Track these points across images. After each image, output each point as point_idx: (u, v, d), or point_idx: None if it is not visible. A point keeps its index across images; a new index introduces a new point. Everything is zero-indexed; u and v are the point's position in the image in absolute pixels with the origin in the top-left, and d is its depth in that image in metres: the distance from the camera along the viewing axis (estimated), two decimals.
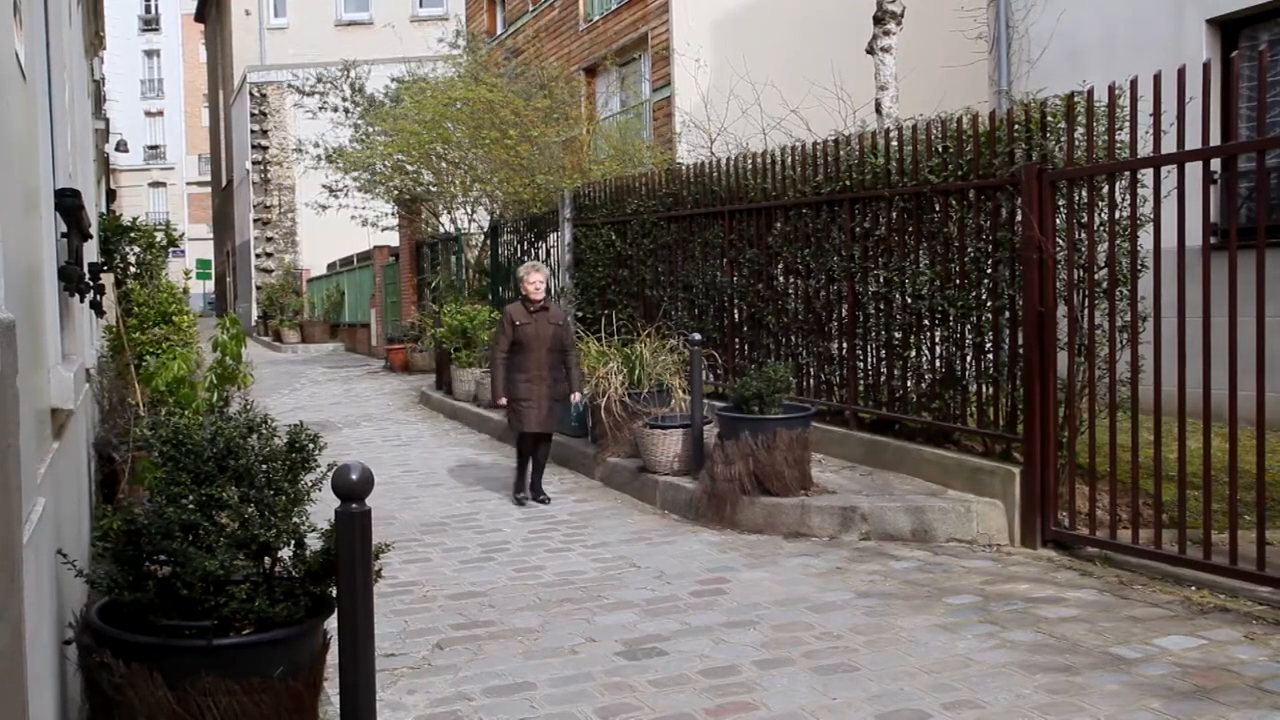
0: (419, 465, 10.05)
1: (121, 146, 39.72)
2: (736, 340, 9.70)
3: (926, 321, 7.61)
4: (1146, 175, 6.01)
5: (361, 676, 3.24)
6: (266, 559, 3.55)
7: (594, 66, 18.51)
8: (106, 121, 18.88)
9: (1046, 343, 6.38)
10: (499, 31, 22.91)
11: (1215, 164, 5.91)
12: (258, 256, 34.01)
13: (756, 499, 7.11)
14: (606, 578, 6.09)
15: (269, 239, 33.79)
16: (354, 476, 3.19)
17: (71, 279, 4.68)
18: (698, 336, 8.41)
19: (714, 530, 7.11)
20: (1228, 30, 9.55)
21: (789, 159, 8.94)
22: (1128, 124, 6.05)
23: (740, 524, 7.12)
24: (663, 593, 5.76)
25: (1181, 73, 5.74)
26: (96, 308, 6.76)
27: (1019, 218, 6.62)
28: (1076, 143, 6.28)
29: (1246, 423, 6.36)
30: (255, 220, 33.90)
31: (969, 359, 7.27)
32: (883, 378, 8.00)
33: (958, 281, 7.20)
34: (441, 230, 19.05)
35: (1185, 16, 9.78)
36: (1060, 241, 6.42)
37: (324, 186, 20.03)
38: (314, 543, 3.59)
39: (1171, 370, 5.67)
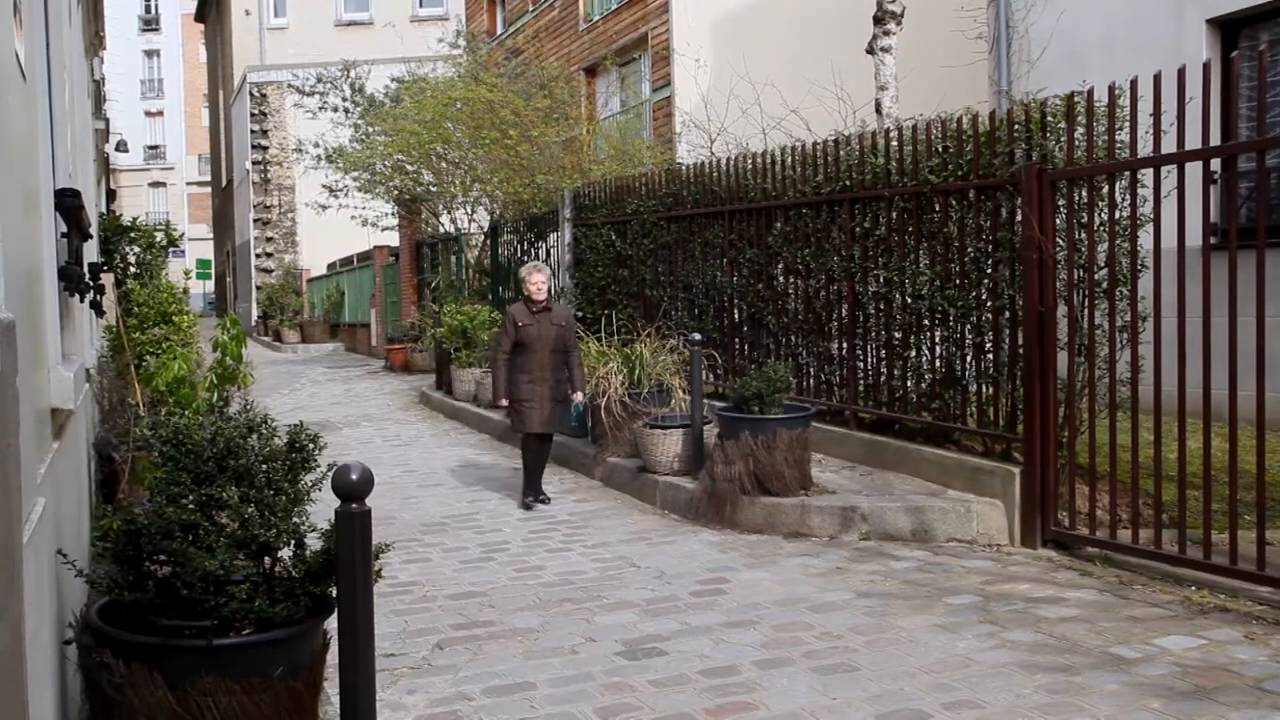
0: (419, 465, 10.05)
1: (121, 146, 39.73)
2: (736, 340, 9.70)
3: (926, 321, 7.61)
4: (1146, 175, 6.01)
5: (361, 676, 3.24)
6: (266, 559, 3.55)
7: (594, 66, 18.51)
8: (106, 121, 18.88)
9: (1046, 343, 6.38)
10: (499, 31, 22.92)
11: (1215, 164, 5.91)
12: (258, 256, 34.02)
13: (756, 499, 7.11)
14: (606, 578, 6.09)
15: (269, 239, 33.79)
16: (354, 476, 3.19)
17: (71, 279, 4.68)
18: (698, 336, 8.41)
19: (714, 530, 7.11)
20: (1228, 30, 9.55)
21: (789, 159, 8.94)
22: (1128, 124, 6.05)
23: (740, 524, 7.12)
24: (663, 593, 5.76)
25: (1181, 73, 5.74)
26: (96, 308, 6.76)
27: (1019, 218, 6.62)
28: (1076, 143, 6.28)
29: (1246, 423, 6.36)
30: (255, 220, 33.91)
31: (969, 359, 7.27)
32: (883, 378, 8.00)
33: (958, 281, 7.20)
34: (441, 230, 19.05)
35: (1185, 16, 9.78)
36: (1060, 241, 6.42)
37: (324, 186, 20.04)
38: (314, 543, 3.59)
39: (1171, 370, 5.67)
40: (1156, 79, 5.67)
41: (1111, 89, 6.08)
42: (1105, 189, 6.12)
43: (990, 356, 7.03)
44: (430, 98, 17.20)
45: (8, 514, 2.23)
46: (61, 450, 3.85)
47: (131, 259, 9.62)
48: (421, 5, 34.40)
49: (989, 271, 7.02)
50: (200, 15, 47.58)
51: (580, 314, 12.00)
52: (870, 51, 10.25)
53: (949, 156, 7.30)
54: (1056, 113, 6.64)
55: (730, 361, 9.72)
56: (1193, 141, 5.64)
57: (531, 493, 8.05)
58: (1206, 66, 5.44)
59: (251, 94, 33.43)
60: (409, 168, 18.16)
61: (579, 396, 8.35)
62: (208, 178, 54.21)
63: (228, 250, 42.37)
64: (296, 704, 3.37)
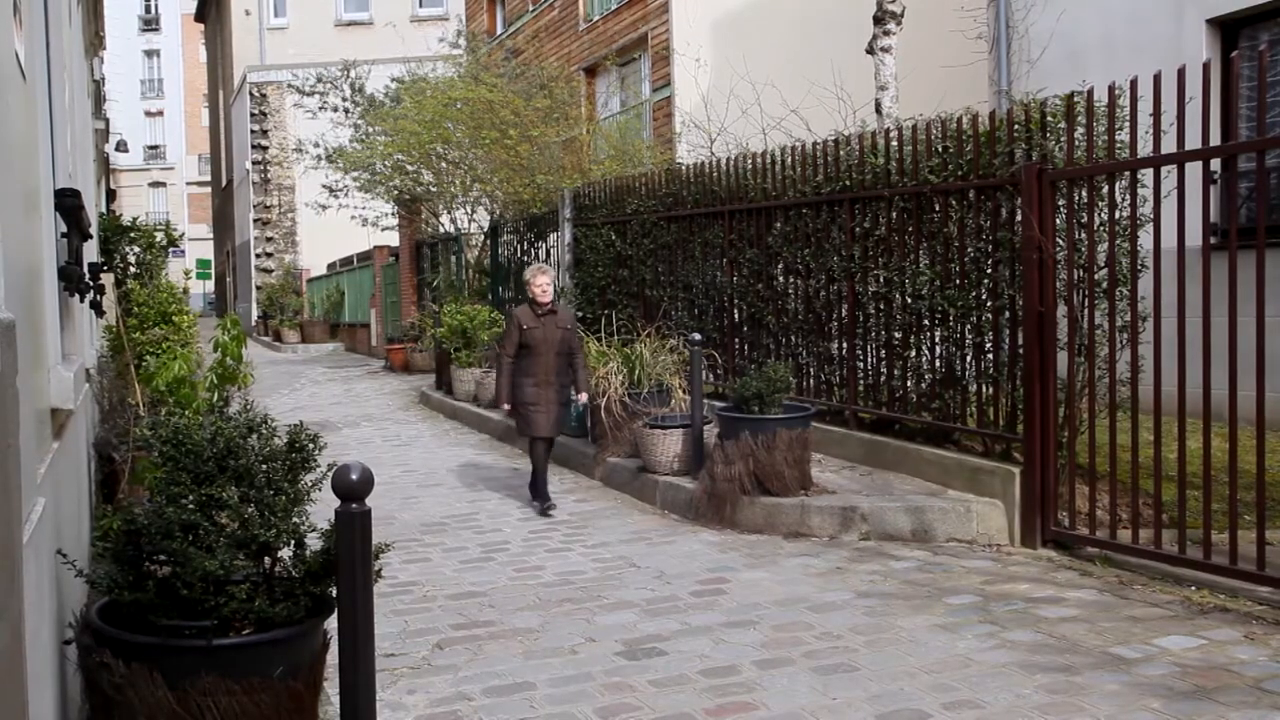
0: (419, 465, 10.05)
1: (121, 146, 39.72)
2: (736, 340, 9.70)
3: (926, 321, 7.61)
4: (1146, 175, 6.01)
5: (361, 676, 3.24)
6: (266, 559, 3.55)
7: (594, 66, 18.51)
8: (106, 121, 18.87)
9: (1046, 343, 6.38)
10: (499, 31, 22.92)
11: (1215, 164, 5.91)
12: (258, 256, 34.02)
13: (756, 499, 7.11)
14: (606, 578, 6.09)
15: (269, 239, 33.79)
16: (354, 476, 3.19)
17: (71, 279, 4.68)
18: (698, 336, 8.40)
19: (714, 530, 7.11)
20: (1228, 30, 9.55)
21: (789, 159, 8.94)
22: (1128, 124, 6.05)
23: (740, 524, 7.12)
24: (663, 593, 5.76)
25: (1181, 73, 5.74)
26: (96, 308, 6.76)
27: (1019, 218, 6.62)
28: (1076, 143, 6.28)
29: (1246, 423, 6.36)
30: (255, 220, 33.91)
31: (969, 359, 7.27)
32: (883, 378, 8.00)
33: (958, 281, 7.20)
34: (441, 230, 19.05)
35: (1185, 16, 9.78)
36: (1060, 241, 6.42)
37: (324, 186, 20.04)
38: (314, 543, 3.59)
39: (1171, 370, 5.67)
40: (1156, 79, 5.67)
41: (1111, 89, 6.08)
42: (1105, 189, 6.12)
43: (990, 356, 7.03)
44: (430, 98, 17.20)
45: (8, 514, 2.23)
46: (61, 450, 3.85)
47: (131, 259, 9.61)
48: (421, 5, 34.41)
49: (989, 271, 7.02)
50: (200, 15, 47.60)
51: (580, 314, 11.99)
52: (870, 51, 10.25)
53: (949, 156, 7.30)
54: (1056, 113, 6.64)
55: (730, 361, 9.72)
56: (1193, 141, 5.64)
57: (544, 498, 7.84)
58: (1206, 66, 5.44)
59: (251, 94, 33.43)
60: (409, 168, 18.16)
61: (583, 398, 8.25)
62: (208, 178, 54.22)
63: (228, 250, 42.38)
64: (296, 704, 3.37)
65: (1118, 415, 6.24)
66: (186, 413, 6.12)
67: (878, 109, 10.09)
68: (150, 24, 62.98)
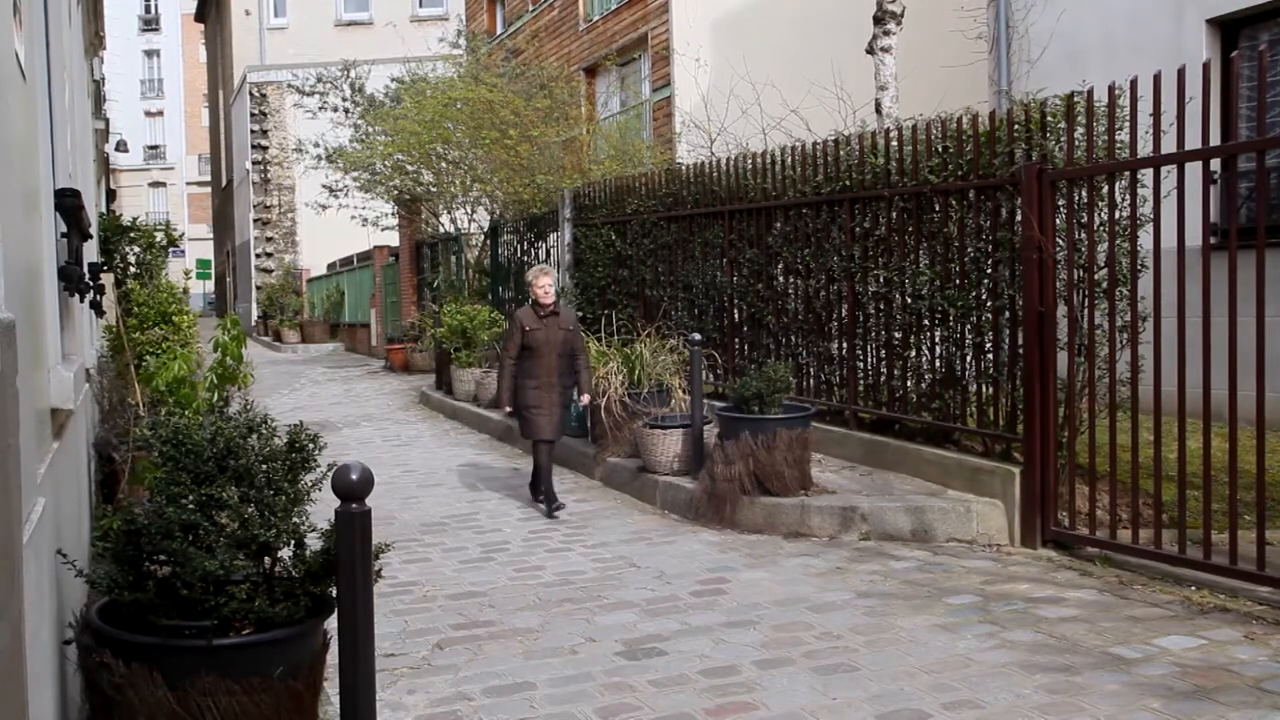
0: (419, 465, 10.05)
1: (121, 146, 39.73)
2: (736, 340, 9.70)
3: (926, 321, 7.61)
4: (1146, 175, 6.01)
5: (361, 676, 3.24)
6: (266, 559, 3.55)
7: (594, 66, 18.51)
8: (106, 121, 18.88)
9: (1046, 343, 6.38)
10: (499, 31, 22.92)
11: (1215, 164, 5.91)
12: (258, 256, 34.02)
13: (756, 499, 7.11)
14: (606, 578, 6.09)
15: (269, 239, 33.79)
16: (354, 476, 3.19)
17: (71, 279, 4.68)
18: (698, 336, 8.40)
19: (714, 530, 7.11)
20: (1228, 30, 9.55)
21: (789, 159, 8.94)
22: (1128, 124, 6.05)
23: (740, 524, 7.12)
24: (663, 593, 5.76)
25: (1181, 73, 5.74)
26: (96, 308, 6.76)
27: (1019, 218, 6.62)
28: (1076, 143, 6.28)
29: (1246, 423, 6.36)
30: (255, 220, 33.91)
31: (969, 359, 7.27)
32: (883, 378, 8.00)
33: (958, 281, 7.20)
34: (441, 230, 19.05)
35: (1185, 16, 9.78)
36: (1060, 241, 6.42)
37: (324, 186, 20.04)
38: (314, 543, 3.60)
39: (1171, 370, 5.67)
40: (1156, 79, 5.67)
41: (1111, 89, 6.08)
42: (1105, 189, 6.12)
43: (990, 356, 7.03)
44: (430, 98, 17.20)
45: (8, 514, 2.23)
46: (61, 450, 3.85)
47: (131, 259, 9.62)
48: (421, 5, 34.41)
49: (989, 271, 7.02)
50: (200, 15, 47.59)
51: (580, 314, 11.99)
52: (870, 51, 10.25)
53: (949, 156, 7.30)
54: (1056, 113, 6.64)
55: (730, 361, 9.72)
56: (1193, 141, 5.64)
57: (551, 499, 7.77)
58: (1206, 66, 5.44)
59: (251, 94, 33.43)
60: (409, 168, 18.16)
61: (585, 399, 8.20)
62: (208, 178, 54.21)
63: (228, 250, 42.38)
64: (296, 704, 3.37)
65: (1118, 415, 6.24)
66: (186, 413, 6.12)
67: (878, 109, 10.09)
68: (150, 24, 62.98)
